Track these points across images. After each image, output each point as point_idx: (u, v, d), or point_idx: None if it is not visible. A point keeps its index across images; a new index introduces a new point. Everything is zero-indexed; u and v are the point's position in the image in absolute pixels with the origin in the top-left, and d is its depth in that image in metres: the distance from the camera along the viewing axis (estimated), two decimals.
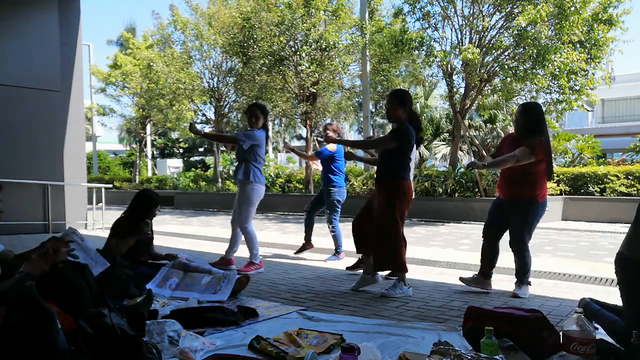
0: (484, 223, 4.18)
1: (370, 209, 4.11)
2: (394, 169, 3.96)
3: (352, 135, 30.72)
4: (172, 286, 3.79)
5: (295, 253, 5.80)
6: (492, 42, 11.75)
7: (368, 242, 4.09)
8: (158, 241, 4.86)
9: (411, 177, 4.12)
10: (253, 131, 4.87)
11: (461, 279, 4.15)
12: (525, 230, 3.86)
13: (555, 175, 12.06)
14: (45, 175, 8.69)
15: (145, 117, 22.32)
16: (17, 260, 2.74)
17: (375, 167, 4.19)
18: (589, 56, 11.54)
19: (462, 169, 12.49)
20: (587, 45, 11.51)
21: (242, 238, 4.99)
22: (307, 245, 5.81)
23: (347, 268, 4.98)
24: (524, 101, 14.01)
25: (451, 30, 12.40)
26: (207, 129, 27.54)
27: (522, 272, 3.90)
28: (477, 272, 4.15)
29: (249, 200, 4.83)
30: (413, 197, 4.15)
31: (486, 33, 11.91)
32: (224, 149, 24.39)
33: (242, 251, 5.16)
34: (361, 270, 4.65)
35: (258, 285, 4.23)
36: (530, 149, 3.71)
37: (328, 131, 5.52)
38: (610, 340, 2.41)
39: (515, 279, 3.97)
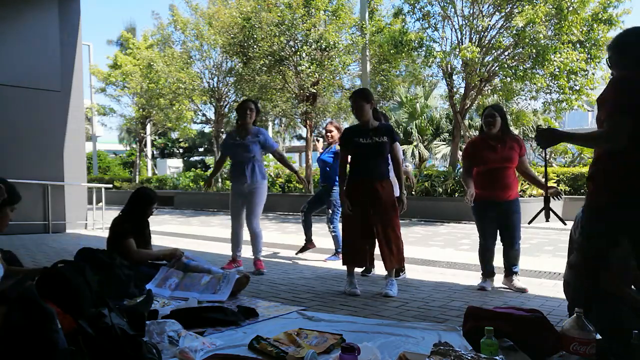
0: (478, 230, 4.22)
1: (363, 217, 3.95)
2: (386, 169, 4.04)
3: None
4: (171, 286, 3.79)
5: (296, 253, 5.78)
6: (492, 42, 11.75)
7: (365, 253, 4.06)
8: (158, 241, 4.86)
9: (391, 176, 4.14)
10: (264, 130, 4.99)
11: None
12: (520, 224, 4.12)
13: (554, 175, 12.07)
14: (45, 175, 8.68)
15: (145, 117, 22.31)
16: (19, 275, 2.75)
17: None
18: (588, 56, 11.54)
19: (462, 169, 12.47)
20: (587, 45, 11.51)
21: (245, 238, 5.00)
22: (308, 244, 5.76)
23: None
24: (523, 101, 14.05)
25: (451, 30, 12.43)
26: (207, 129, 27.57)
27: (517, 260, 4.12)
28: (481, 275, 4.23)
29: (264, 198, 4.92)
30: None
31: (486, 33, 11.91)
32: None
33: (244, 251, 5.15)
34: (369, 274, 4.71)
35: (258, 285, 4.23)
36: None
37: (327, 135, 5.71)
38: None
39: (510, 276, 4.12)
